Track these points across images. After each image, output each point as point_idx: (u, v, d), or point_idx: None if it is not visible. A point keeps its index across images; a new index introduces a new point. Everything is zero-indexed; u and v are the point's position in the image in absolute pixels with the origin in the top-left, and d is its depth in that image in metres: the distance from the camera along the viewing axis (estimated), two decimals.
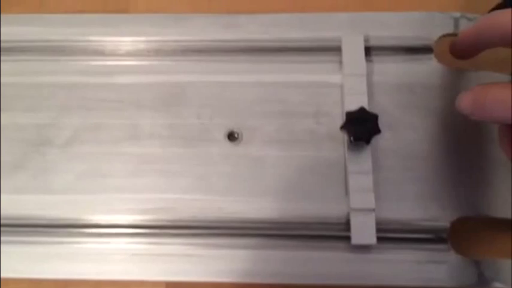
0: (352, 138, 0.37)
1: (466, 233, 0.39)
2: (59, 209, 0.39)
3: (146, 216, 0.39)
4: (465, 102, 0.34)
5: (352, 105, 0.38)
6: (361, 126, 0.37)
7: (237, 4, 0.52)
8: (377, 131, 0.37)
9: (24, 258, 0.38)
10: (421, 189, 0.38)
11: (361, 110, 0.37)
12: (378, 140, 0.39)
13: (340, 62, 0.41)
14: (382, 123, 0.38)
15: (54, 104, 0.41)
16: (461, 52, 0.37)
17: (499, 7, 0.46)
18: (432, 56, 0.41)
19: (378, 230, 0.37)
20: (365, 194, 0.37)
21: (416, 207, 0.38)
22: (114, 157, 0.40)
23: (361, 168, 0.37)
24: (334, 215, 0.38)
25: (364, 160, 0.38)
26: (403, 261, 0.37)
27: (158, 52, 0.42)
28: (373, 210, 0.37)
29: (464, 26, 0.42)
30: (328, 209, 0.38)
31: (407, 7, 0.46)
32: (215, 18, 0.43)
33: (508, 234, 0.40)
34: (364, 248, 0.37)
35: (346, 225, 0.37)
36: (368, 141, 0.37)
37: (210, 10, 0.51)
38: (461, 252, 0.37)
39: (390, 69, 0.41)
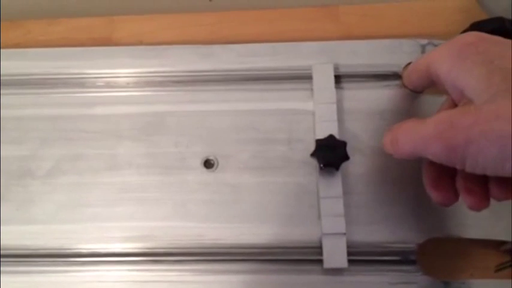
0: (322, 165, 0.38)
1: (435, 254, 0.40)
2: (42, 239, 0.40)
3: (127, 244, 0.40)
4: (385, 142, 0.35)
5: (323, 132, 0.40)
6: (330, 153, 0.39)
7: (216, 30, 0.54)
8: (346, 157, 0.38)
9: None
10: (390, 212, 0.39)
11: (330, 138, 0.39)
12: (348, 165, 0.40)
13: (312, 90, 0.42)
14: (352, 148, 0.40)
15: (35, 136, 0.42)
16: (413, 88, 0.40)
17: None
18: (400, 82, 0.43)
19: (350, 253, 0.38)
20: (336, 218, 0.38)
21: (386, 229, 0.39)
22: (93, 187, 0.41)
23: (331, 193, 0.39)
24: (308, 239, 0.39)
25: (334, 185, 0.39)
26: (374, 282, 0.38)
27: (137, 83, 0.44)
28: (344, 234, 0.38)
29: None
30: (302, 233, 0.39)
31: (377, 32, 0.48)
32: (192, 48, 0.45)
33: (476, 254, 0.41)
34: (336, 271, 0.38)
35: (320, 248, 0.39)
36: (337, 168, 0.38)
37: (192, 36, 0.53)
38: (430, 273, 0.38)
39: (360, 95, 0.43)
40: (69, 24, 0.57)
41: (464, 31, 0.49)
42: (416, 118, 0.33)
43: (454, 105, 0.34)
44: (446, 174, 0.33)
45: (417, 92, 0.40)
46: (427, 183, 0.35)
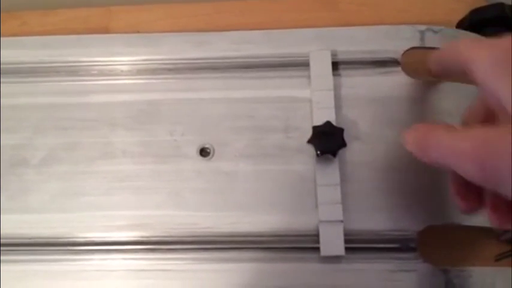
0: (318, 152, 0.38)
1: (435, 242, 0.40)
2: (36, 228, 0.40)
3: (122, 232, 0.39)
4: (408, 140, 0.32)
5: (321, 119, 0.39)
6: (327, 140, 0.38)
7: (213, 20, 0.54)
8: (343, 144, 0.38)
9: (3, 278, 0.39)
10: (389, 199, 0.39)
11: (327, 124, 0.38)
12: (346, 153, 0.40)
13: (309, 77, 0.41)
14: (350, 135, 0.40)
15: (29, 125, 0.42)
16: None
17: (462, 21, 0.47)
18: (399, 68, 0.42)
19: (347, 241, 0.37)
20: (333, 206, 0.38)
21: (384, 217, 0.38)
22: (88, 175, 0.41)
23: (329, 181, 0.38)
24: (305, 227, 0.39)
25: (332, 173, 0.38)
26: (372, 270, 0.38)
27: (131, 71, 0.43)
28: (341, 221, 0.37)
29: (430, 39, 0.43)
30: (299, 221, 0.39)
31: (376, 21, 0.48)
32: (187, 36, 0.44)
33: (476, 241, 0.41)
34: (334, 259, 0.38)
35: (317, 236, 0.38)
36: (334, 155, 0.38)
37: (189, 26, 0.52)
38: (429, 261, 0.38)
39: (358, 82, 0.42)
40: (65, 14, 0.56)
41: (464, 18, 0.48)
42: (445, 124, 0.31)
43: (485, 108, 0.33)
44: (474, 185, 0.30)
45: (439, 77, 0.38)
46: (453, 191, 0.33)
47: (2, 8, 0.56)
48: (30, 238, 0.39)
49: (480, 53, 0.29)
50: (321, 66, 0.41)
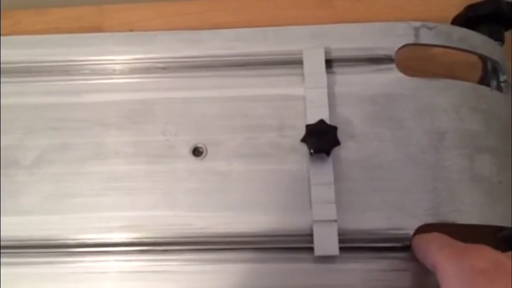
0: (312, 150, 0.37)
1: None
2: (27, 230, 0.39)
3: (114, 234, 0.39)
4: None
5: (314, 118, 0.39)
6: (320, 139, 0.38)
7: (206, 19, 0.53)
8: (336, 142, 0.38)
9: None
10: (384, 198, 0.39)
11: (321, 123, 0.38)
12: (340, 151, 0.39)
13: (303, 75, 0.41)
14: (344, 133, 0.39)
15: (20, 126, 0.42)
16: None
17: (457, 17, 0.47)
18: (394, 65, 0.42)
19: (342, 241, 0.37)
20: (327, 205, 0.37)
21: (380, 216, 0.38)
22: (80, 176, 0.40)
23: (323, 180, 0.38)
24: (299, 227, 0.38)
25: (325, 172, 0.38)
26: (367, 270, 0.37)
27: (124, 70, 0.43)
28: (335, 221, 0.37)
29: (425, 35, 0.43)
30: (292, 221, 0.38)
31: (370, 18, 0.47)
32: (180, 34, 0.44)
33: (469, 240, 0.40)
34: (328, 259, 0.37)
35: (311, 236, 0.38)
36: (328, 153, 0.37)
37: (182, 25, 0.52)
38: None
39: (352, 80, 0.42)
40: (58, 13, 0.56)
41: (459, 14, 0.48)
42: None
43: None
44: None
45: None
46: None
47: None
48: (21, 240, 0.39)
49: (447, 267, 0.31)
50: (314, 63, 0.41)
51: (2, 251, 0.39)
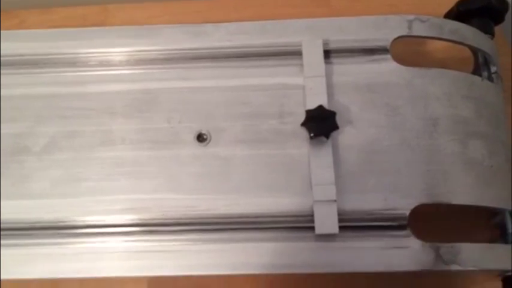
0: (312, 134, 0.39)
1: (426, 220, 0.41)
2: (37, 213, 0.41)
3: (121, 216, 0.40)
4: None
5: (313, 104, 0.41)
6: (320, 123, 0.39)
7: (208, 16, 0.55)
8: (335, 126, 0.39)
9: (6, 261, 0.40)
10: (380, 180, 0.40)
11: (320, 108, 0.40)
12: (339, 136, 0.41)
13: (302, 65, 0.43)
14: (343, 120, 0.41)
15: (30, 114, 0.43)
16: None
17: (449, 13, 0.49)
18: (389, 56, 0.44)
19: (342, 220, 0.39)
20: (327, 186, 0.39)
21: (377, 197, 0.40)
22: (88, 162, 0.42)
23: (322, 163, 0.40)
24: (300, 208, 0.40)
25: (325, 155, 0.40)
26: (366, 248, 0.39)
27: (129, 62, 0.45)
28: (335, 201, 0.38)
29: (418, 28, 0.44)
30: (294, 202, 0.40)
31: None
32: (183, 27, 0.45)
33: (464, 219, 0.42)
34: (328, 237, 0.39)
35: (311, 216, 0.39)
36: (327, 136, 0.39)
37: (184, 23, 0.54)
38: (421, 238, 0.39)
39: (349, 69, 0.43)
40: (63, 13, 0.58)
41: (451, 10, 0.50)
42: None
43: None
44: None
45: None
46: None
47: (1, 7, 0.57)
48: (31, 222, 0.40)
49: None
50: (313, 54, 0.43)
51: (13, 233, 0.40)
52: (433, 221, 0.44)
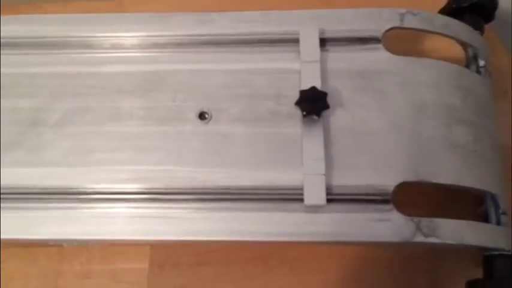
0: (305, 112, 0.42)
1: (408, 196, 0.43)
2: (51, 179, 0.44)
3: (127, 184, 0.44)
4: None
5: (307, 86, 0.44)
6: (312, 103, 0.42)
7: (212, 4, 0.59)
8: (326, 106, 0.42)
9: (21, 222, 0.43)
10: (367, 158, 0.43)
11: (313, 89, 0.43)
12: (330, 118, 0.44)
13: (299, 52, 0.46)
14: (335, 103, 0.44)
15: (46, 91, 0.47)
16: None
17: (443, 10, 0.52)
18: (381, 45, 0.47)
19: (330, 194, 0.42)
20: (316, 161, 0.42)
21: (363, 173, 0.43)
22: (98, 135, 0.45)
23: (314, 140, 0.43)
24: (292, 181, 0.43)
25: (316, 132, 0.43)
26: (351, 220, 0.41)
27: (140, 45, 0.48)
28: (324, 175, 0.41)
29: (409, 20, 0.48)
30: (286, 176, 0.43)
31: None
32: (191, 16, 0.49)
33: (444, 196, 0.45)
34: (316, 209, 0.42)
35: (302, 190, 0.42)
36: (318, 115, 0.42)
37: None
38: (403, 212, 0.42)
39: (343, 57, 0.46)
40: (81, 6, 0.62)
41: (444, 7, 0.53)
42: None
43: None
44: None
45: None
46: None
47: (24, 1, 0.61)
48: (45, 188, 0.44)
49: None
50: (309, 40, 0.46)
51: (30, 197, 0.43)
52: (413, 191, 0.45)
